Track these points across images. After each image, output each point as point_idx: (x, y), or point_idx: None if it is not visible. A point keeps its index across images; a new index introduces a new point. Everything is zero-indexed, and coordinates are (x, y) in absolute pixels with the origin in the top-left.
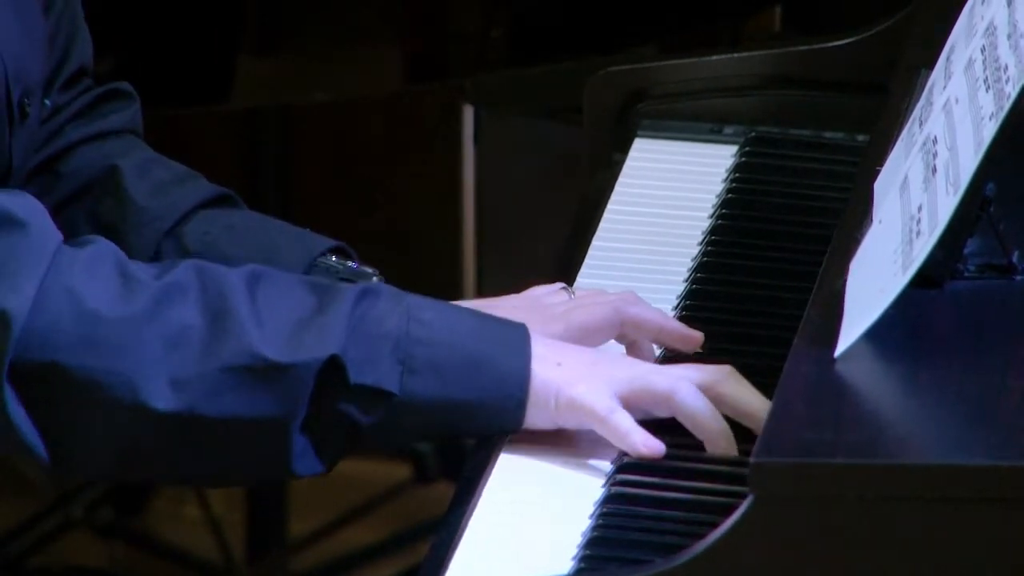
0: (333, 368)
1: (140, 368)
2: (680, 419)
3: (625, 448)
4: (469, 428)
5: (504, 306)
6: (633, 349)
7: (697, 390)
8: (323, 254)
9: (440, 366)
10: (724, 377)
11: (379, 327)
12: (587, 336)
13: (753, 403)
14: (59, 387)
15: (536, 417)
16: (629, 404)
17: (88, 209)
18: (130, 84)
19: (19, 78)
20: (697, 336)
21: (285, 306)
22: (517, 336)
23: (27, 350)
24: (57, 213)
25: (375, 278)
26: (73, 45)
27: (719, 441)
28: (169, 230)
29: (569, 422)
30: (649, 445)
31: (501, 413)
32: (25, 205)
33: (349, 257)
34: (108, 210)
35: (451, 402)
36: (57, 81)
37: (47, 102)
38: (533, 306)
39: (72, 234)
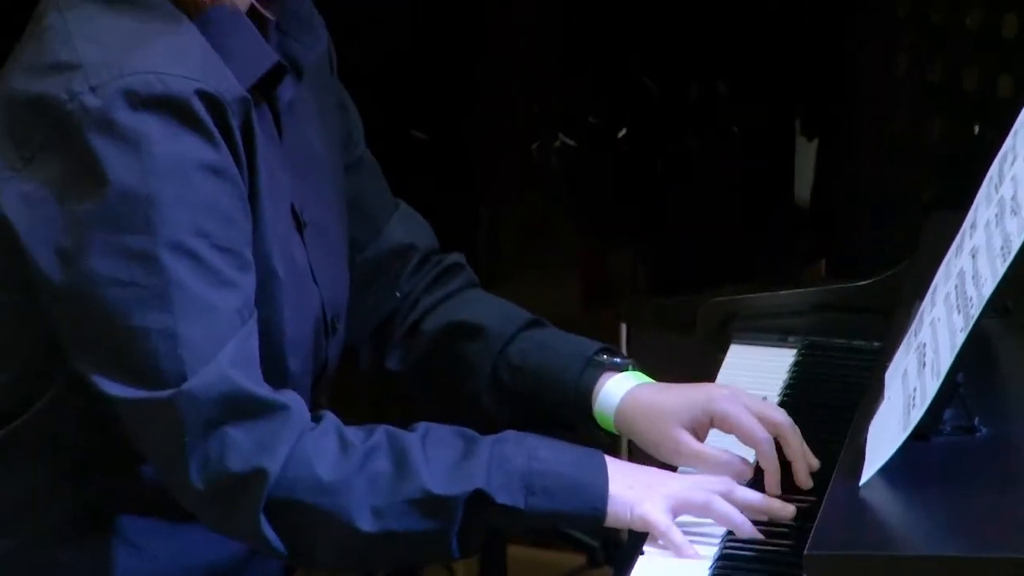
0: (478, 495)
1: (352, 502)
2: (713, 519)
3: (674, 553)
4: (566, 527)
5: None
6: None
7: (722, 499)
8: (596, 353)
9: (551, 490)
10: (733, 488)
11: (510, 465)
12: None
13: (757, 502)
14: (300, 516)
15: (614, 521)
16: (678, 511)
17: (447, 349)
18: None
19: (331, 304)
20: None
21: (445, 453)
22: (600, 468)
23: (279, 492)
24: (428, 356)
25: (630, 365)
26: (408, 246)
27: (742, 530)
28: (500, 352)
29: (638, 528)
30: (689, 554)
31: (588, 520)
32: (291, 397)
33: (613, 353)
34: (462, 345)
35: (557, 513)
36: (404, 274)
37: (397, 294)
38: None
39: (436, 371)
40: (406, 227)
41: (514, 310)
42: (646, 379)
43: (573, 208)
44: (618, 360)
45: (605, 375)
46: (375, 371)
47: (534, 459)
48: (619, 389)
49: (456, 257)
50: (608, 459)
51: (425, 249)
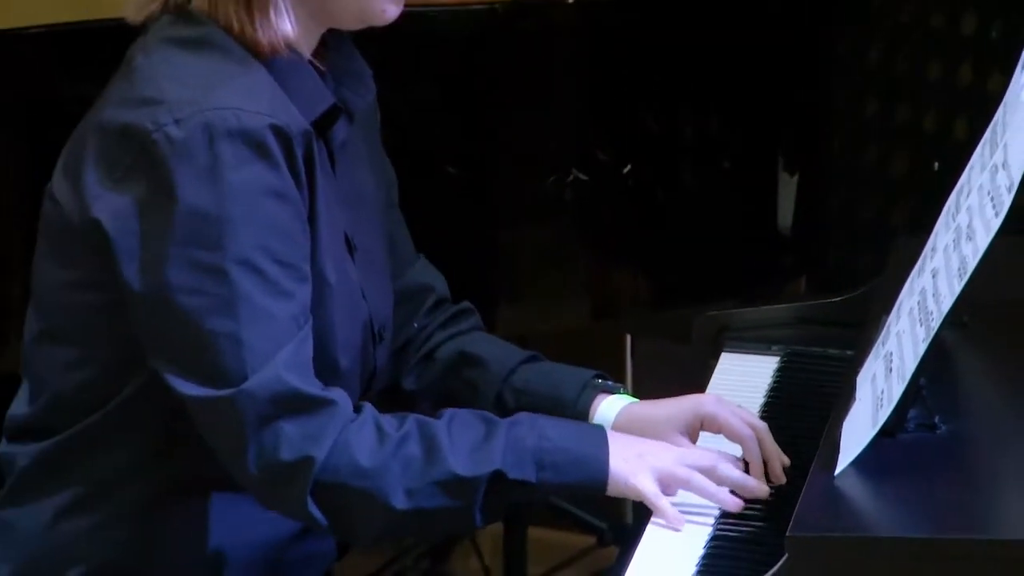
0: (497, 475)
1: (388, 484)
2: (694, 492)
3: (662, 519)
4: (572, 497)
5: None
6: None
7: (703, 477)
8: (591, 378)
9: (558, 464)
10: (717, 464)
11: (523, 444)
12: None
13: (736, 478)
14: (342, 497)
15: (612, 491)
16: (664, 483)
17: (456, 375)
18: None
19: (377, 316)
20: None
21: (467, 436)
22: (602, 442)
23: (324, 476)
24: (439, 381)
25: (621, 388)
26: (428, 286)
27: (718, 499)
28: (504, 380)
29: (631, 496)
30: (673, 517)
31: (591, 490)
32: (338, 394)
33: (605, 378)
34: (470, 372)
35: (563, 484)
36: (422, 310)
37: (415, 325)
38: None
39: (446, 393)
40: (427, 272)
41: (515, 348)
42: (634, 399)
43: (584, 233)
44: (610, 384)
45: (600, 397)
46: (392, 389)
47: (544, 438)
48: (613, 409)
49: (466, 304)
50: (608, 432)
51: (441, 294)
